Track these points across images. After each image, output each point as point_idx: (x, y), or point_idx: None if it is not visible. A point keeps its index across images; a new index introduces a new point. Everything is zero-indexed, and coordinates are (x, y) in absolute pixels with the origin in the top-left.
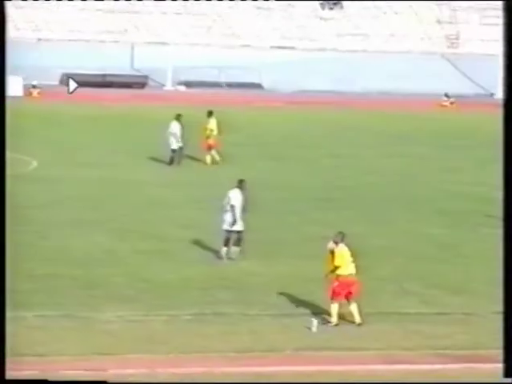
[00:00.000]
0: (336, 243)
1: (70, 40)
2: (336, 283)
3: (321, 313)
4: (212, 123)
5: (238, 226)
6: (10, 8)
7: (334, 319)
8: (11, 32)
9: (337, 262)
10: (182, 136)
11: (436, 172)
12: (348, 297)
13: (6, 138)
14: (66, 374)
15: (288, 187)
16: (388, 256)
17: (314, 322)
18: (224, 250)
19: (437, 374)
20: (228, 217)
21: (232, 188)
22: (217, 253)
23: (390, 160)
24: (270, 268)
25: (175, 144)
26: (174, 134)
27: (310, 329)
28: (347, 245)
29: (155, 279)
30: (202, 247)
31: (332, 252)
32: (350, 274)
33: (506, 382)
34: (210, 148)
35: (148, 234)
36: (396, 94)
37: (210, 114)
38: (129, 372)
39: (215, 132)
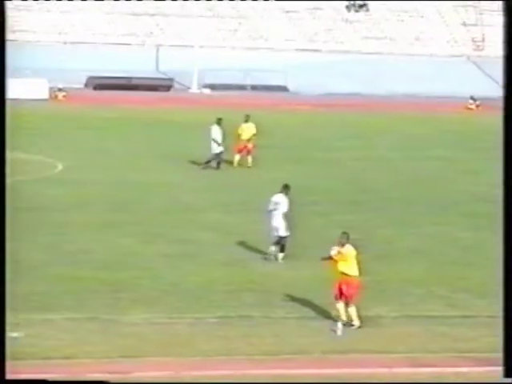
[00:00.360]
0: (342, 244)
1: (95, 43)
2: (344, 287)
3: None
4: (252, 127)
5: (283, 232)
6: (37, 12)
7: (356, 321)
8: (37, 35)
9: (344, 262)
10: (223, 140)
11: (462, 174)
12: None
13: (5, 139)
14: (92, 376)
15: (314, 190)
16: (414, 259)
17: (339, 325)
18: (273, 249)
19: (462, 377)
20: (275, 222)
21: (274, 193)
22: (253, 255)
23: (416, 162)
24: (295, 271)
25: (217, 148)
26: (215, 139)
27: (335, 332)
28: (354, 246)
29: (180, 282)
30: (228, 250)
31: (339, 253)
32: (355, 276)
33: (506, 382)
34: (241, 151)
35: (173, 237)
36: (422, 97)
37: (247, 117)
38: (153, 374)
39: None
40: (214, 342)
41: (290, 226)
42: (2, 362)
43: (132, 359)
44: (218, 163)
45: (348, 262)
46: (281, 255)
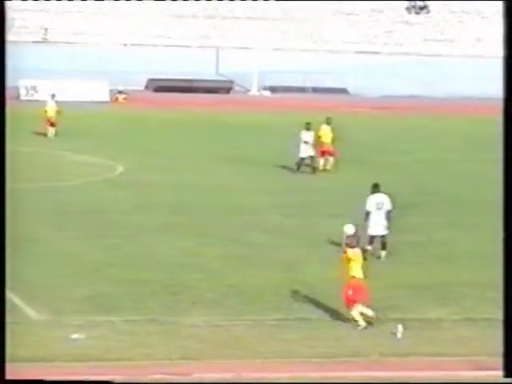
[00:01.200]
0: (352, 247)
1: (155, 45)
2: (350, 291)
3: (406, 319)
4: (329, 130)
5: (385, 230)
6: (98, 15)
7: (362, 322)
8: (98, 38)
9: (352, 265)
10: (314, 144)
11: None
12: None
13: (5, 140)
14: (152, 378)
15: None
16: (475, 262)
17: (399, 327)
18: (369, 248)
19: None
20: (378, 221)
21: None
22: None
23: (477, 165)
24: None
25: (304, 152)
26: (305, 143)
27: (394, 334)
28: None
29: (239, 284)
30: (287, 253)
31: (346, 254)
32: (361, 278)
33: (505, 382)
34: (324, 154)
35: (233, 239)
36: (482, 99)
37: (329, 120)
38: (213, 376)
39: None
40: (273, 345)
41: (390, 225)
42: (2, 362)
43: (192, 361)
44: (299, 166)
45: (357, 264)
46: (383, 253)
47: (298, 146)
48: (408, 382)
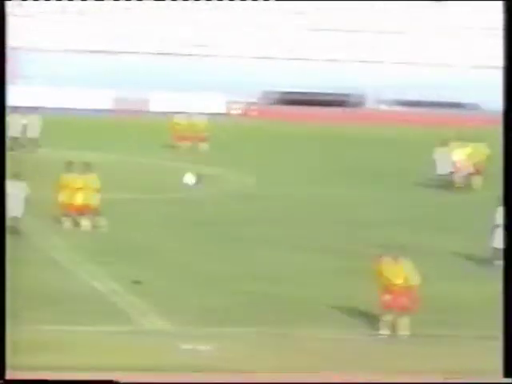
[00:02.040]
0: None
1: (271, 58)
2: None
3: None
4: (483, 146)
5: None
6: (215, 25)
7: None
8: (214, 50)
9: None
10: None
11: None
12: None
13: (5, 141)
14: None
15: None
16: None
17: None
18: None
19: None
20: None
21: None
22: None
23: None
24: (470, 287)
25: (442, 169)
26: (440, 159)
27: None
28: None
29: (351, 298)
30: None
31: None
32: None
33: (506, 382)
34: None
35: (348, 252)
36: None
37: (475, 137)
38: None
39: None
40: (383, 358)
41: None
42: (2, 362)
43: (302, 374)
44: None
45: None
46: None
47: (431, 163)
48: None
